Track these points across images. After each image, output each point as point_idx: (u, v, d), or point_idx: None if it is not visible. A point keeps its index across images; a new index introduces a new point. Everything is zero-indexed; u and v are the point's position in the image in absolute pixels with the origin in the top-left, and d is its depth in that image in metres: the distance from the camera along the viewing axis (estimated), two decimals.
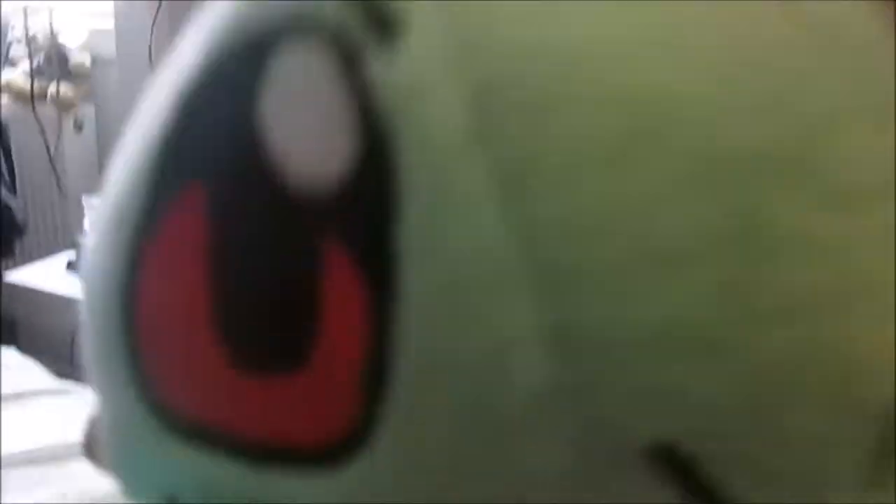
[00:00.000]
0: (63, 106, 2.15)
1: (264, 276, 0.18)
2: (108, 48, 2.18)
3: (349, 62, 0.16)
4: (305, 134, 0.17)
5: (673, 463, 0.16)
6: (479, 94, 0.16)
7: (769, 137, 0.16)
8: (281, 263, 0.18)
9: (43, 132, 2.11)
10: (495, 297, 0.16)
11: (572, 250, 0.16)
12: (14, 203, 1.97)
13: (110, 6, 2.09)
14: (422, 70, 0.16)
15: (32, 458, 0.94)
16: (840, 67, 0.16)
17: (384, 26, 0.16)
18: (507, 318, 0.16)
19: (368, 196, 0.16)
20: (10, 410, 0.99)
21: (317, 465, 0.18)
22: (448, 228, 0.16)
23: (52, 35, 2.16)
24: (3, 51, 2.37)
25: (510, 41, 0.16)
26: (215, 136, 0.18)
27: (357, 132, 0.16)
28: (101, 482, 0.28)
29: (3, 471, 0.88)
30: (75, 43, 2.19)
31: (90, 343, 0.22)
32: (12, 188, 1.99)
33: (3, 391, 1.02)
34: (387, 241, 0.16)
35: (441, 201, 0.16)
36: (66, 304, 1.60)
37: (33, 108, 2.13)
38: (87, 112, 2.25)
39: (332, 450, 0.18)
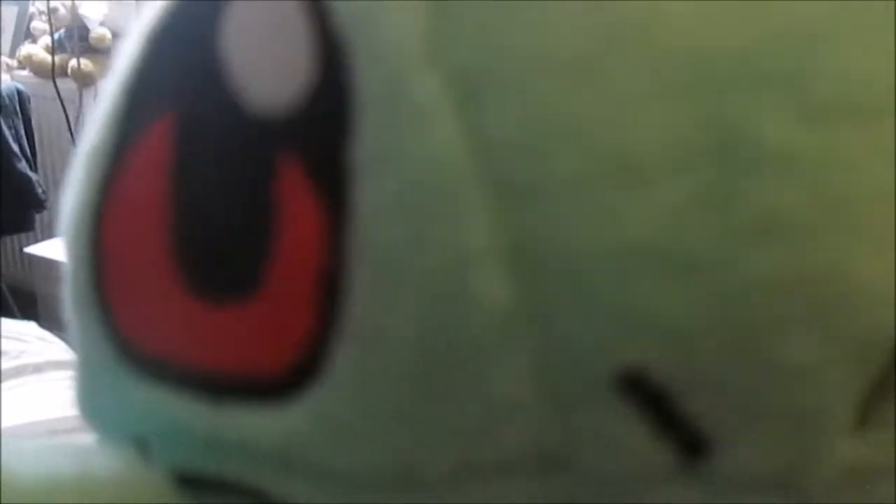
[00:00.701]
0: (84, 80, 2.16)
1: (221, 198, 0.18)
2: (129, 23, 2.19)
3: None
4: (264, 54, 0.17)
5: (644, 395, 0.15)
6: (436, 6, 0.15)
7: (751, 44, 0.14)
8: (237, 183, 0.18)
9: (63, 106, 2.12)
10: (451, 212, 0.15)
11: (530, 163, 0.15)
12: (34, 177, 1.98)
13: None
14: None
15: (53, 429, 0.95)
16: None
17: None
18: (464, 234, 0.15)
19: (324, 112, 0.16)
20: (30, 383, 1.00)
21: (276, 395, 0.18)
22: (403, 141, 0.15)
23: (74, 8, 2.17)
24: (25, 24, 2.39)
25: None
26: (181, 66, 0.19)
27: (314, 50, 0.16)
28: None
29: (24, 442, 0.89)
30: (96, 17, 2.20)
31: (66, 282, 0.21)
32: (33, 162, 2.00)
33: (24, 363, 1.03)
34: (342, 155, 0.16)
35: (396, 114, 0.15)
36: None
37: (54, 82, 2.14)
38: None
39: (291, 378, 0.17)
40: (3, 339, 1.09)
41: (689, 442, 0.16)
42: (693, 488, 0.17)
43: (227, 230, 0.18)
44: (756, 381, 0.15)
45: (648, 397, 0.15)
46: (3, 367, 1.02)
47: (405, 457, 0.17)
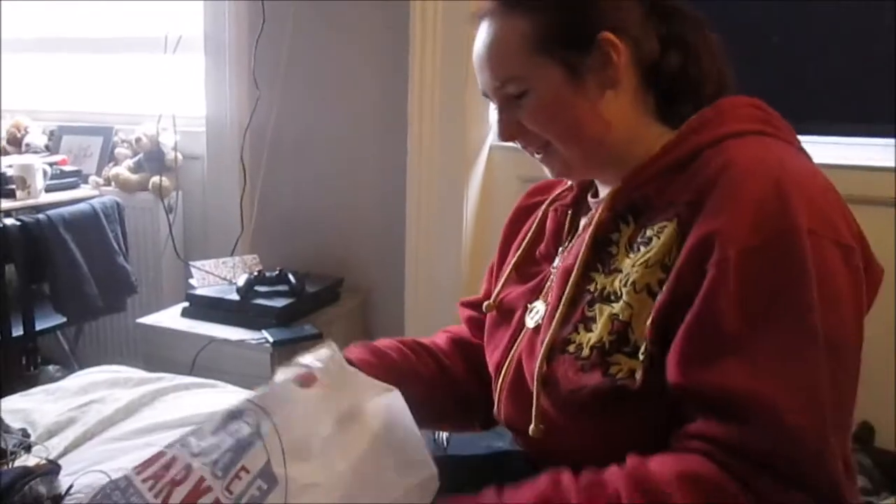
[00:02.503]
0: (161, 192, 2.78)
1: None
2: (193, 148, 2.83)
3: None
4: None
5: None
6: None
7: None
8: None
9: (153, 212, 2.75)
10: None
11: None
12: (129, 268, 2.58)
13: (200, 118, 2.74)
14: None
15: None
16: None
17: None
18: None
19: None
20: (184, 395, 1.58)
21: None
22: None
23: (157, 138, 2.81)
24: (109, 150, 3.03)
25: None
26: None
27: None
28: None
29: (163, 433, 1.43)
30: (169, 143, 2.83)
31: None
32: (126, 257, 2.60)
33: (175, 384, 1.62)
34: None
35: None
36: (182, 336, 2.21)
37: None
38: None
39: None
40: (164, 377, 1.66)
41: None
42: None
43: None
44: None
45: None
46: (164, 385, 1.61)
47: None
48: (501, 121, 0.97)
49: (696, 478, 0.75)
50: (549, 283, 1.02)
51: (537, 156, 1.00)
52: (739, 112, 0.92)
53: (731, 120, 0.90)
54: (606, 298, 0.89)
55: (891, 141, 1.96)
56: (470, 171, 2.30)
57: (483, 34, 0.95)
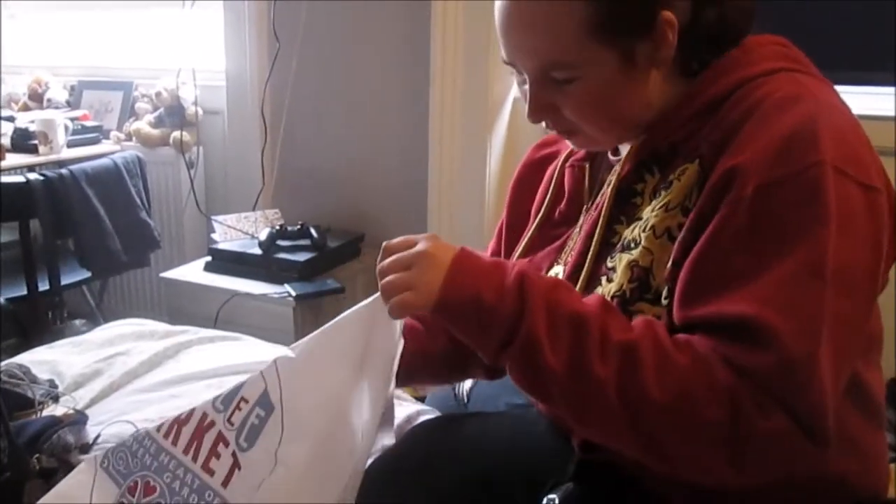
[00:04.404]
0: (182, 147, 2.78)
1: None
2: (213, 102, 2.81)
3: None
4: None
5: None
6: None
7: None
8: None
9: (174, 167, 2.75)
10: None
11: None
12: (151, 223, 2.59)
13: (220, 72, 2.72)
14: None
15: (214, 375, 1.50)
16: None
17: None
18: None
19: None
20: (208, 348, 1.59)
21: None
22: None
23: (177, 93, 2.80)
24: (130, 105, 3.02)
25: None
26: None
27: None
28: None
29: (192, 384, 1.44)
30: (189, 97, 2.82)
31: None
32: (148, 212, 2.60)
33: (200, 336, 1.63)
34: None
35: None
36: (206, 290, 2.23)
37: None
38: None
39: None
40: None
41: None
42: None
43: None
44: None
45: None
46: (188, 338, 1.61)
47: None
48: (533, 102, 0.89)
49: (699, 355, 0.75)
50: (570, 245, 0.98)
51: (562, 133, 0.94)
52: (767, 50, 0.88)
53: (760, 59, 0.86)
54: (626, 247, 0.87)
55: (891, 90, 1.93)
56: (493, 123, 2.26)
57: (521, 5, 0.84)
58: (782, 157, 0.76)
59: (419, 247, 0.83)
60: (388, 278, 0.83)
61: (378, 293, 0.86)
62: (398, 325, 0.87)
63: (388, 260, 0.85)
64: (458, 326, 0.83)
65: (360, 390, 0.88)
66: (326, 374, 0.87)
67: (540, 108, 0.90)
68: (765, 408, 0.71)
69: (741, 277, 0.74)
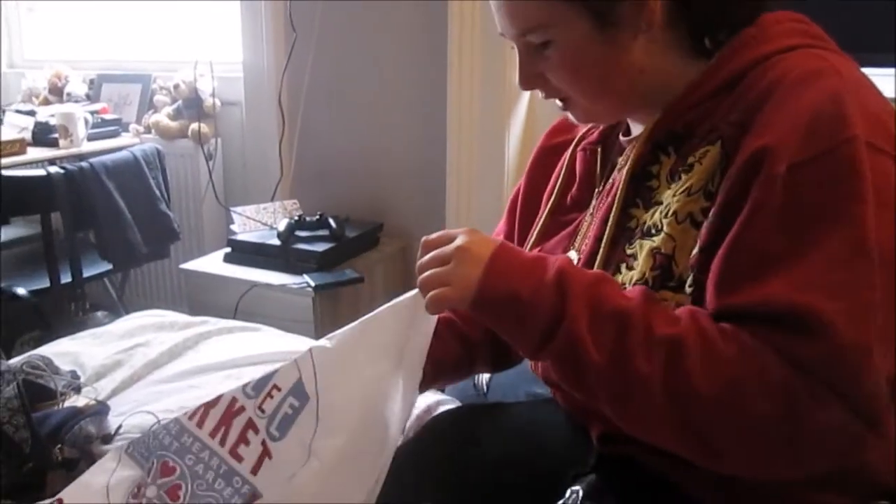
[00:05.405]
0: (200, 139, 2.79)
1: None
2: (231, 94, 2.82)
3: None
4: None
5: None
6: None
7: None
8: None
9: (193, 158, 2.76)
10: None
11: None
12: (171, 214, 2.60)
13: (237, 64, 2.72)
14: None
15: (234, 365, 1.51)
16: None
17: None
18: None
19: None
20: (227, 339, 1.59)
21: None
22: None
23: (195, 85, 2.80)
24: (148, 98, 3.04)
25: None
26: None
27: None
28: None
29: (218, 371, 1.45)
30: (207, 90, 2.82)
31: None
32: (168, 204, 2.61)
33: (218, 327, 1.63)
34: None
35: None
36: (225, 281, 2.23)
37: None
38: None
39: None
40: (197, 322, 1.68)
41: None
42: None
43: None
44: None
45: None
46: (208, 329, 1.62)
47: None
48: (521, 70, 0.90)
49: (747, 345, 0.72)
50: (583, 231, 0.97)
51: (559, 104, 0.93)
52: (784, 27, 0.85)
53: (777, 36, 0.84)
54: (647, 233, 0.85)
55: (891, 71, 1.88)
56: (511, 110, 2.25)
57: None
58: (812, 135, 0.73)
59: (457, 241, 0.82)
60: (425, 274, 0.83)
61: (416, 289, 0.85)
62: (433, 321, 0.87)
63: (427, 256, 0.84)
64: (496, 323, 0.82)
65: (395, 386, 0.86)
66: (364, 368, 0.86)
67: (527, 75, 0.91)
68: (821, 398, 0.68)
69: (782, 260, 0.72)
